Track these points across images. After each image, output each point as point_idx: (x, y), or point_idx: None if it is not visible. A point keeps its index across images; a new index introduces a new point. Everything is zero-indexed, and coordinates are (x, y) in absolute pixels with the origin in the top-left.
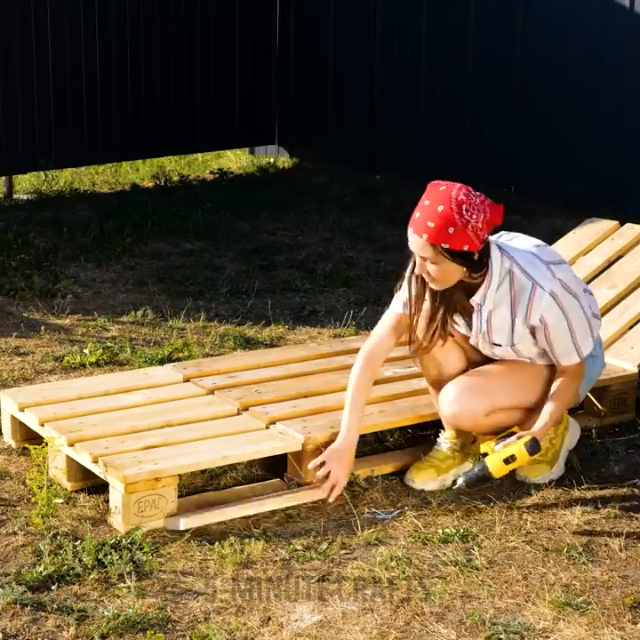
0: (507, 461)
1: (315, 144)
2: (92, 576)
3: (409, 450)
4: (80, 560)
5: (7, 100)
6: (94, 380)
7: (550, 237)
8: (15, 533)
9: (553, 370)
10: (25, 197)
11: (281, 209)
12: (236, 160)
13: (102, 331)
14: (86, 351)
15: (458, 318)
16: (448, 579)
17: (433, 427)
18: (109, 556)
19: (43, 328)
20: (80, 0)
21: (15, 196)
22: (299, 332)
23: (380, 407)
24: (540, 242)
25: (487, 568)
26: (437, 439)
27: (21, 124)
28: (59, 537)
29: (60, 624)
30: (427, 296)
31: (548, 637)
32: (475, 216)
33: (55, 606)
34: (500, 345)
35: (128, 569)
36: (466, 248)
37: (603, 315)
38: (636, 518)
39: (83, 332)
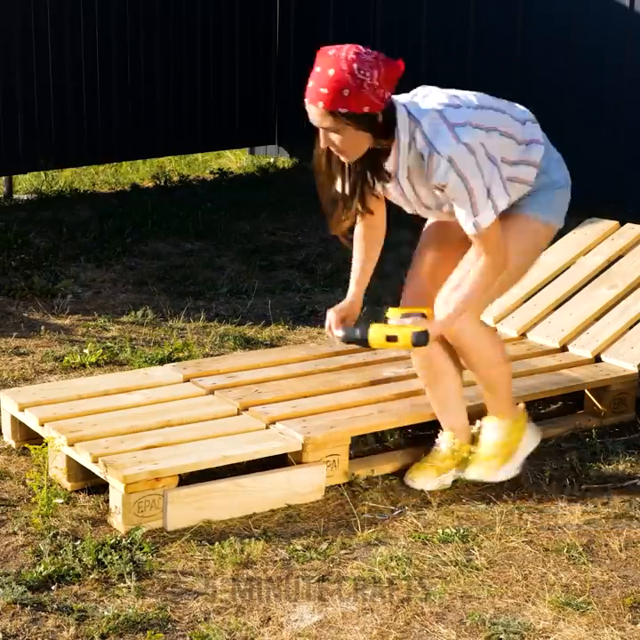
0: (389, 339)
1: (315, 144)
2: (92, 576)
3: (409, 450)
4: (80, 560)
5: (7, 100)
6: (94, 380)
7: None
8: (15, 533)
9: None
10: (25, 197)
11: (281, 209)
12: (236, 160)
13: (102, 331)
14: (86, 351)
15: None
16: (448, 579)
17: (433, 427)
18: (109, 556)
19: (43, 328)
20: (80, 0)
21: (15, 196)
22: (299, 332)
23: (379, 407)
24: (457, 94)
25: (487, 568)
26: (437, 439)
27: (21, 123)
28: (59, 537)
29: (60, 624)
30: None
31: (548, 637)
32: (368, 73)
33: (55, 606)
34: (430, 208)
35: (128, 569)
36: (366, 109)
37: (602, 315)
38: (636, 518)
39: (83, 331)
